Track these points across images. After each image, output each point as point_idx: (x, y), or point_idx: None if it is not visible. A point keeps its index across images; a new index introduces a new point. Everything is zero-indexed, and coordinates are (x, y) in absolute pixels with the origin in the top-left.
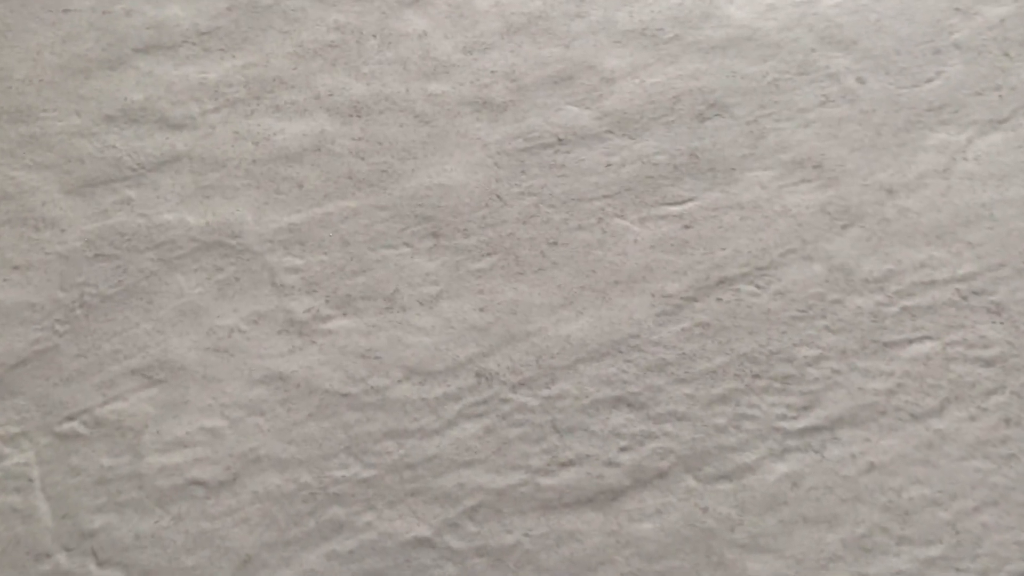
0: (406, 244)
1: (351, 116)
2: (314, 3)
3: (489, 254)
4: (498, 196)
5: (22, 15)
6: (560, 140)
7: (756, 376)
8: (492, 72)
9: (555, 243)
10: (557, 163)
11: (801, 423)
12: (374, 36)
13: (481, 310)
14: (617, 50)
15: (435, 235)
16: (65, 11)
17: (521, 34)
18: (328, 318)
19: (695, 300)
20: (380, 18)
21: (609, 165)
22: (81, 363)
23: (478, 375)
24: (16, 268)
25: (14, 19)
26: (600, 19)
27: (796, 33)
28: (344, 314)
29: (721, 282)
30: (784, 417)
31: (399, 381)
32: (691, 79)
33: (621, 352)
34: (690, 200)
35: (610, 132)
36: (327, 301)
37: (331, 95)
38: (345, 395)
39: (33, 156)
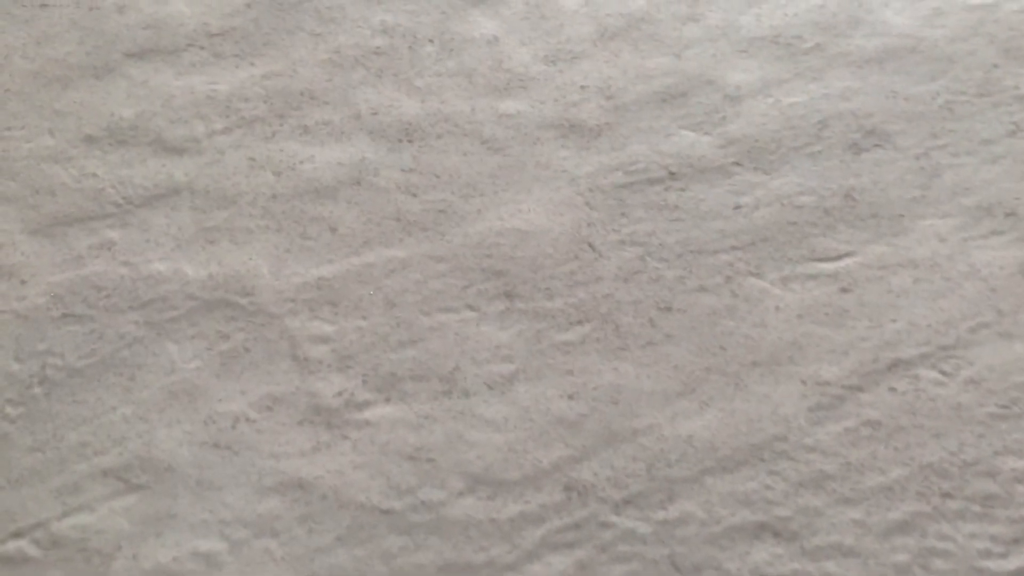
0: (470, 307)
1: (400, 141)
2: (355, 0)
3: (580, 322)
4: (591, 246)
5: None
6: (672, 174)
7: (947, 495)
8: (582, 87)
9: (668, 309)
10: (668, 203)
11: (1012, 562)
12: (431, 41)
13: (570, 397)
14: (742, 61)
15: (508, 296)
16: (42, 6)
17: (619, 40)
18: (366, 405)
19: (860, 390)
20: (439, 19)
21: (738, 208)
22: (37, 459)
23: (568, 488)
24: None
25: None
26: (719, 23)
27: (972, 44)
28: (387, 400)
29: (893, 366)
30: (988, 554)
31: (460, 494)
32: (840, 100)
33: (763, 460)
34: (847, 255)
35: (738, 165)
36: (365, 382)
37: (375, 114)
38: (386, 512)
39: None
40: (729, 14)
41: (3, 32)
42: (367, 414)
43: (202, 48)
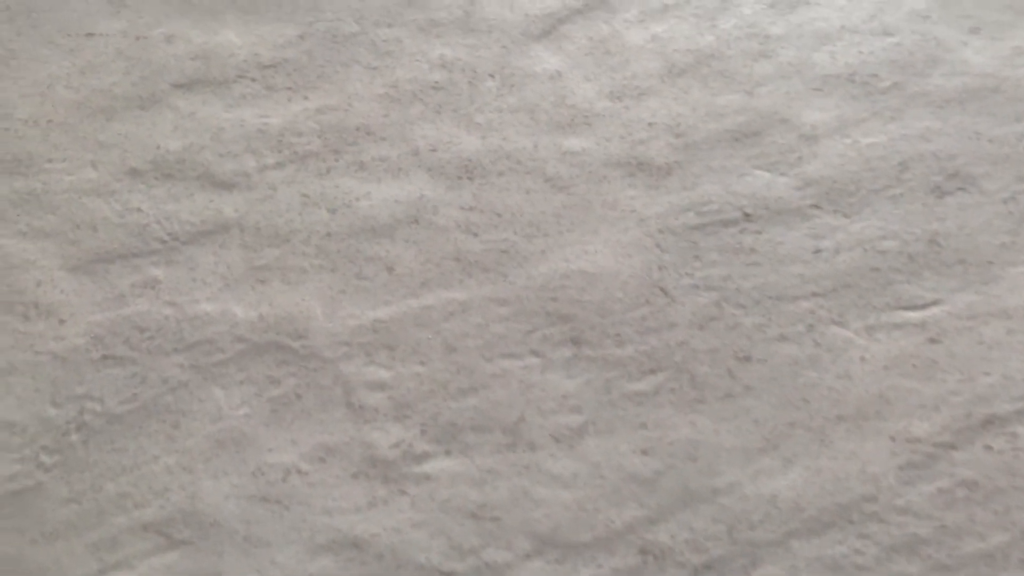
0: (535, 353)
1: (460, 178)
2: (413, 33)
3: (653, 371)
4: (663, 290)
5: (32, 39)
6: (747, 216)
7: None
8: (650, 124)
9: (747, 358)
10: (744, 246)
11: None
12: (492, 76)
13: (644, 453)
14: (817, 100)
15: (575, 342)
16: (88, 35)
17: (687, 77)
18: (425, 457)
19: (953, 448)
20: (500, 54)
21: (818, 252)
22: (73, 511)
23: (643, 552)
24: None
25: (21, 44)
26: (792, 60)
27: None
28: (447, 452)
29: (988, 422)
30: None
31: (527, 556)
32: (921, 140)
33: (852, 522)
34: (935, 304)
35: (816, 207)
36: (424, 432)
37: (434, 150)
38: (448, 574)
39: (30, 219)
40: (802, 51)
41: (47, 61)
42: (426, 467)
43: (253, 80)
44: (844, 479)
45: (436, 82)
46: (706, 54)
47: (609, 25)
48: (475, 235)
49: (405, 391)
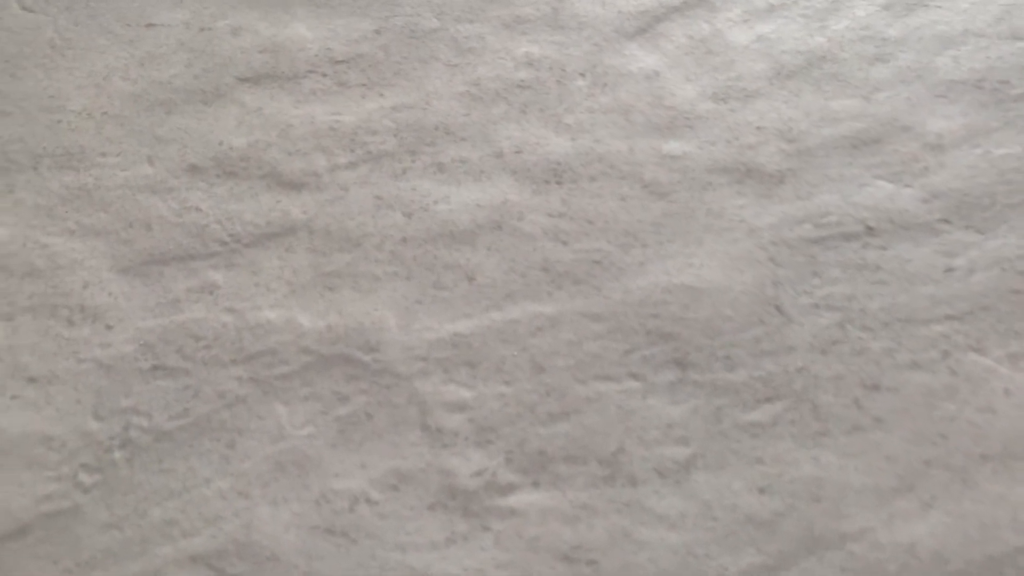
0: (634, 376)
1: (548, 182)
2: (496, 30)
3: (769, 399)
4: (778, 309)
5: (89, 28)
6: (870, 229)
7: None
8: (758, 128)
9: (875, 387)
10: (869, 263)
11: None
12: (582, 75)
13: (761, 491)
14: (942, 107)
15: (680, 364)
16: (149, 25)
17: (798, 79)
18: (510, 489)
19: None
20: (591, 51)
21: (951, 270)
22: (113, 538)
23: None
24: (32, 380)
25: (78, 33)
26: (912, 64)
27: None
28: (536, 484)
29: None
30: None
31: None
32: None
33: None
34: None
35: (946, 222)
36: (509, 461)
37: (519, 152)
38: None
39: (79, 217)
40: (922, 55)
41: (104, 52)
42: (512, 500)
43: (325, 75)
44: (992, 527)
45: (522, 80)
46: (817, 56)
47: (710, 24)
48: (565, 244)
49: (488, 413)
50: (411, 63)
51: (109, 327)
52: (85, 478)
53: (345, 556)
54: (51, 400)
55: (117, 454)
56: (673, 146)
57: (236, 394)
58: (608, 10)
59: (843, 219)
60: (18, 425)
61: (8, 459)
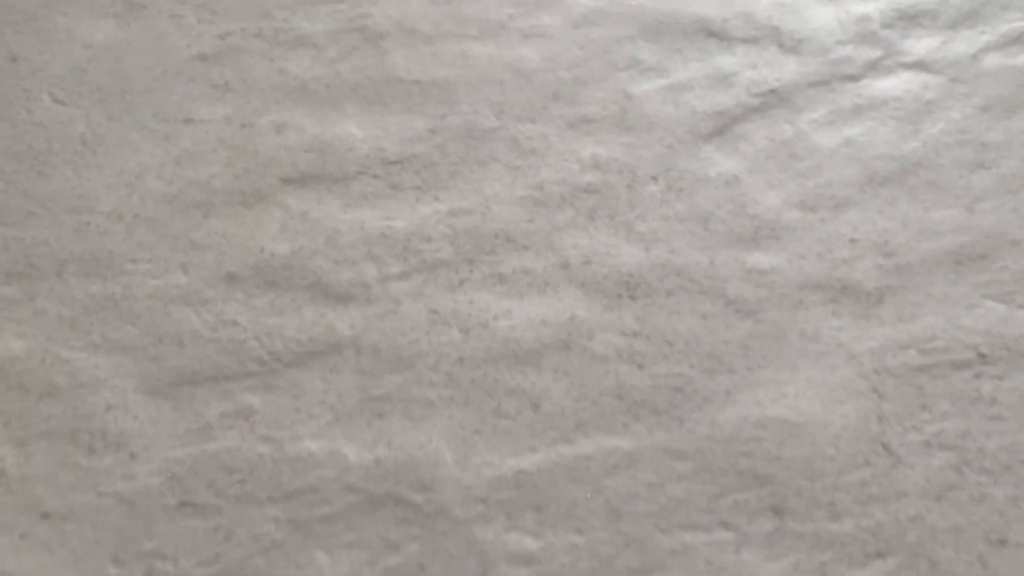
0: (725, 525)
1: (620, 297)
2: (560, 130)
3: (880, 554)
4: (885, 447)
5: (123, 123)
6: (982, 356)
7: None
8: (852, 241)
9: (1002, 542)
10: (983, 395)
11: None
12: (654, 179)
13: None
14: None
15: (777, 512)
16: (186, 121)
17: (892, 187)
18: None
19: None
20: (663, 154)
21: None
22: None
23: None
24: (46, 517)
25: (111, 128)
26: (1016, 172)
27: None
28: None
29: None
30: None
31: None
32: None
33: None
34: None
35: None
36: None
37: (587, 263)
38: None
39: (105, 330)
40: None
41: (138, 149)
42: None
43: (376, 177)
44: None
45: (588, 184)
46: (912, 161)
47: (793, 126)
48: (641, 367)
49: (558, 568)
50: (469, 165)
51: (133, 456)
52: None
53: None
54: (66, 540)
55: None
56: (758, 259)
57: (272, 538)
58: (681, 110)
59: (951, 344)
60: (27, 569)
61: None
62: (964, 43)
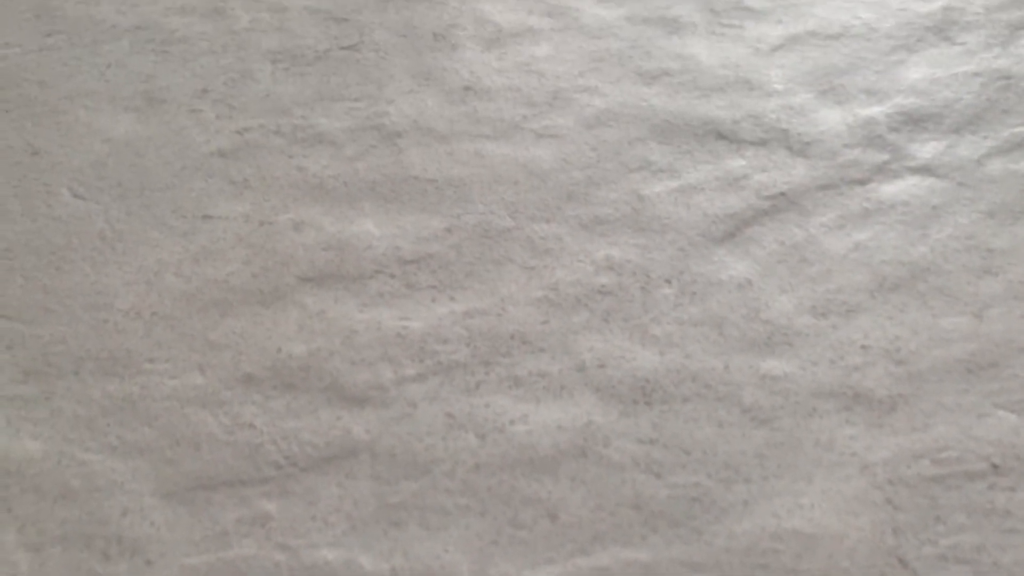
0: None
1: (636, 402)
2: (574, 230)
3: None
4: (901, 561)
5: (142, 219)
6: (995, 467)
7: None
8: (863, 347)
9: None
10: (997, 507)
11: None
12: (668, 282)
13: None
14: None
15: None
16: (205, 217)
17: (901, 293)
18: None
19: None
20: (676, 256)
21: None
22: None
23: None
24: None
25: (130, 224)
26: (1023, 278)
27: None
28: None
29: None
30: None
31: None
32: None
33: None
34: None
35: None
36: None
37: (602, 366)
38: None
39: (122, 431)
40: None
41: (156, 245)
42: None
43: (392, 276)
44: None
45: (603, 286)
46: (921, 267)
47: (803, 229)
48: (658, 476)
49: None
50: (484, 264)
51: (149, 563)
52: None
53: None
54: None
55: None
56: (772, 365)
57: None
58: (692, 212)
59: (964, 455)
60: None
61: None
62: (968, 148)
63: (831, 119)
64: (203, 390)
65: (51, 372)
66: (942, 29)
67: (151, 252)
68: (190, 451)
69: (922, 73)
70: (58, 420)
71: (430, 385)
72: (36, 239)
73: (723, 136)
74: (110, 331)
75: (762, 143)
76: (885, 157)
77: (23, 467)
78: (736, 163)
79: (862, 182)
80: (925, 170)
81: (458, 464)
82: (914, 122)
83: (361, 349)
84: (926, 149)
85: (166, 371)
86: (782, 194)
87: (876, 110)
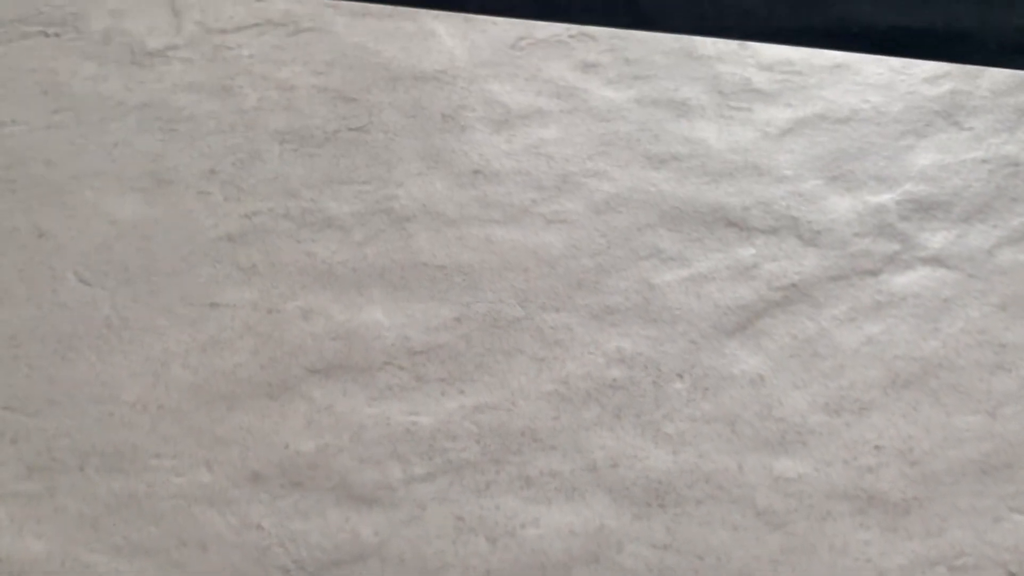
0: None
1: (649, 505)
2: (585, 320)
3: None
4: None
5: (149, 306)
6: (1012, 575)
7: None
8: (877, 448)
9: None
10: None
11: None
12: (680, 376)
13: None
14: None
15: None
16: (212, 305)
17: (914, 389)
18: None
19: None
20: (688, 349)
21: None
22: None
23: None
24: None
25: (137, 312)
26: None
27: None
28: None
29: None
30: None
31: None
32: None
33: None
34: None
35: None
36: None
37: (614, 466)
38: None
39: (128, 531)
40: None
41: (163, 334)
42: None
43: (401, 368)
44: None
45: (614, 380)
46: (933, 363)
47: (815, 322)
48: None
49: None
50: (494, 356)
51: None
52: None
53: None
54: None
55: None
56: (786, 465)
57: None
58: (703, 303)
59: (980, 561)
60: None
61: None
62: (978, 237)
63: (841, 207)
64: (210, 488)
65: (55, 467)
66: (950, 113)
67: (157, 341)
68: (197, 553)
69: (931, 159)
70: (62, 518)
71: (439, 485)
72: (42, 326)
73: (733, 223)
74: (116, 425)
75: (772, 231)
76: (896, 247)
77: (26, 569)
78: (746, 252)
79: (873, 273)
80: (936, 261)
81: (468, 570)
82: (924, 210)
83: (370, 445)
84: (936, 239)
85: (172, 468)
86: (793, 285)
87: (886, 197)
